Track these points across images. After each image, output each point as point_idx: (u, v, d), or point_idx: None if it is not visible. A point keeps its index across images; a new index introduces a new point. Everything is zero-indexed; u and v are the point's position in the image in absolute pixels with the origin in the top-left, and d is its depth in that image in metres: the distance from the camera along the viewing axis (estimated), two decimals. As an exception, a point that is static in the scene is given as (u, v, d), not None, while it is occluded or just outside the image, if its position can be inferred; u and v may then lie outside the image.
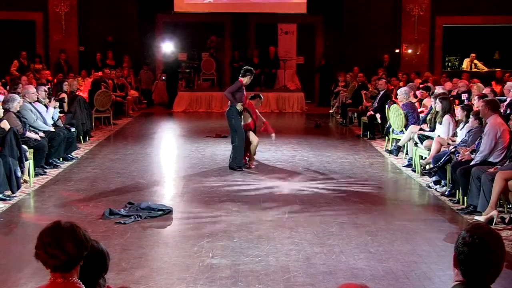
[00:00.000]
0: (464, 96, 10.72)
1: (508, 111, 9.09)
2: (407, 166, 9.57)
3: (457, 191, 7.41)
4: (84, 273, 2.67)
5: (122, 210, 6.84)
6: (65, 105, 11.30)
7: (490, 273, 2.34)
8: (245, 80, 9.42)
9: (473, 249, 2.32)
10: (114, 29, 18.12)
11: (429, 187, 8.22)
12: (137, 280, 4.86)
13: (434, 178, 8.12)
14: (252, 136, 9.49)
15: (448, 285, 2.45)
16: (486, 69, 17.71)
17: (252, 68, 9.81)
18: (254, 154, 9.63)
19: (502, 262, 2.37)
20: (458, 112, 8.54)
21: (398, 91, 11.05)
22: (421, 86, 12.30)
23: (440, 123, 8.73)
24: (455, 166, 7.34)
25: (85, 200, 7.45)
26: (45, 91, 10.20)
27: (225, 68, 19.40)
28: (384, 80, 12.96)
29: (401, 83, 13.63)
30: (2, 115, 8.01)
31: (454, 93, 11.74)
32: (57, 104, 10.16)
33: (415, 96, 11.56)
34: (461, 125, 8.31)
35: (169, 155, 11.21)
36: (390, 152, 10.69)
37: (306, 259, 5.42)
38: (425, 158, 8.75)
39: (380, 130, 12.57)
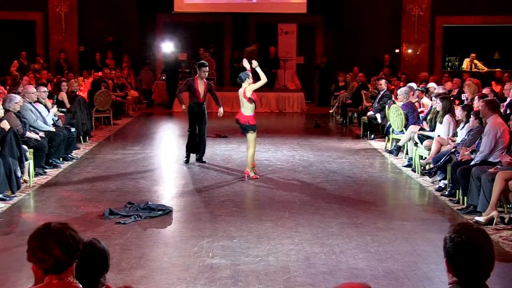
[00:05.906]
0: (464, 96, 10.71)
1: (508, 111, 9.09)
2: (407, 166, 9.57)
3: (457, 191, 7.41)
4: (85, 271, 2.66)
5: (122, 210, 6.85)
6: (65, 102, 11.34)
7: (482, 270, 2.35)
8: (199, 74, 9.68)
9: (462, 249, 2.33)
10: (114, 29, 18.13)
11: (433, 182, 8.27)
12: (137, 280, 4.86)
13: (439, 175, 8.13)
14: (250, 142, 8.63)
15: (448, 285, 2.45)
16: (486, 69, 17.70)
17: (202, 61, 10.12)
18: (251, 163, 8.72)
19: (492, 258, 2.38)
20: (459, 112, 8.54)
21: (398, 91, 11.05)
22: (421, 86, 12.30)
23: (441, 122, 8.74)
24: (455, 166, 7.33)
25: (85, 200, 7.45)
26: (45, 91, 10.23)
27: (225, 68, 19.40)
28: (384, 80, 12.97)
29: (401, 83, 13.62)
30: (2, 115, 8.01)
31: (454, 93, 11.74)
32: (58, 113, 10.23)
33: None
34: (461, 125, 8.31)
35: (169, 155, 11.20)
36: (390, 152, 10.70)
37: (306, 259, 5.42)
38: (425, 158, 8.75)
39: (380, 130, 12.57)
